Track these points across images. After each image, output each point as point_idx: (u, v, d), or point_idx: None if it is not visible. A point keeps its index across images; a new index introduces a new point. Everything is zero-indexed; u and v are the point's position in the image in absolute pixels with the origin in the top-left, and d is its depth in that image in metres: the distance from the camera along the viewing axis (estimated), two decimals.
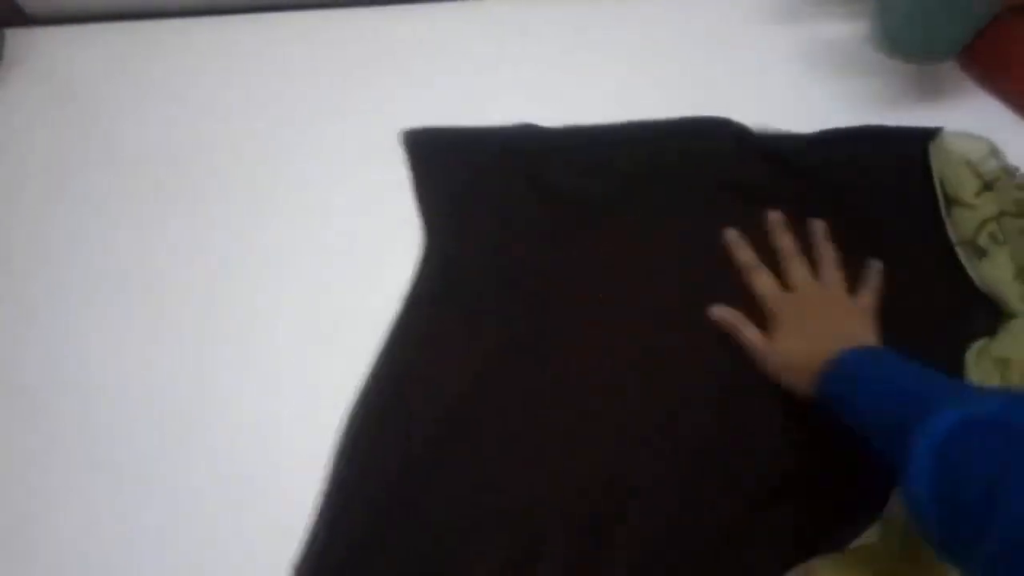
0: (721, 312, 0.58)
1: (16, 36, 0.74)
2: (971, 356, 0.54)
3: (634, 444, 0.53)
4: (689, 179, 0.63)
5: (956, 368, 0.54)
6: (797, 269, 0.59)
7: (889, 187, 0.63)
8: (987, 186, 0.60)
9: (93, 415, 0.55)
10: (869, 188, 0.62)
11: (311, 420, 0.55)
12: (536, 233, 0.61)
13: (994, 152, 0.63)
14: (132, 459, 0.54)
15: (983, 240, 0.58)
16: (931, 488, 0.37)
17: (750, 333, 0.56)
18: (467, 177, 0.63)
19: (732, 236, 0.60)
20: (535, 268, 0.59)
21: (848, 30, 0.75)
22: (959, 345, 0.55)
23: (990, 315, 0.57)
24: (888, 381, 0.47)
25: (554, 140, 0.66)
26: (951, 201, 0.61)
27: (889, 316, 0.56)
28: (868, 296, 0.57)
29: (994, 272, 0.57)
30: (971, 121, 0.65)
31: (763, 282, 0.59)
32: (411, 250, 0.62)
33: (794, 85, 0.71)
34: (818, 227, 0.61)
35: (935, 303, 0.58)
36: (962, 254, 0.59)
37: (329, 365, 0.57)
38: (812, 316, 0.56)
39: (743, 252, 0.60)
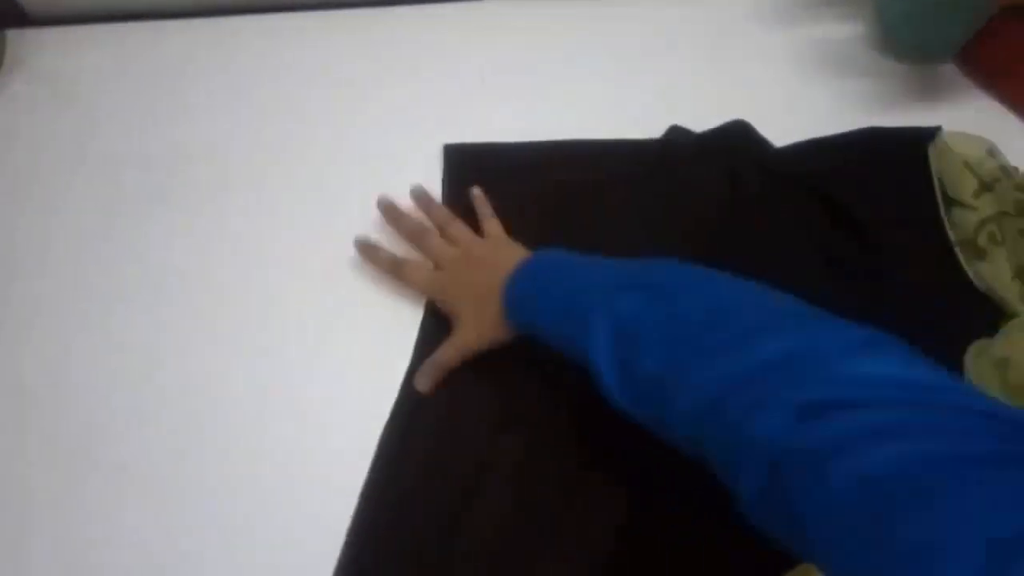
0: (420, 381, 0.55)
1: (16, 36, 0.74)
2: (970, 356, 0.54)
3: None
4: (698, 191, 0.63)
5: (956, 369, 0.54)
6: (437, 243, 0.58)
7: (888, 187, 0.63)
8: (986, 186, 0.60)
9: (93, 416, 0.55)
10: (868, 188, 0.62)
11: (310, 420, 0.55)
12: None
13: (993, 152, 0.63)
14: (133, 460, 0.54)
15: (982, 240, 0.58)
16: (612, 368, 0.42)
17: (443, 354, 0.54)
18: (498, 191, 0.63)
19: (360, 244, 0.60)
20: None
21: (847, 31, 0.75)
22: (959, 345, 0.55)
23: (990, 315, 0.57)
24: (557, 281, 0.49)
25: (575, 154, 0.66)
26: (950, 201, 0.61)
27: (889, 317, 0.56)
28: (490, 222, 0.59)
29: (993, 272, 0.57)
30: (970, 121, 0.65)
31: (411, 272, 0.58)
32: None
33: (794, 86, 0.71)
34: (417, 191, 0.62)
35: (935, 303, 0.58)
36: (961, 254, 0.59)
37: (331, 369, 0.57)
38: (465, 273, 0.56)
39: (382, 255, 0.59)
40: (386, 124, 0.69)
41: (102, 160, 0.67)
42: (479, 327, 0.54)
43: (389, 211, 0.61)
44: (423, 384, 0.54)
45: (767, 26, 0.76)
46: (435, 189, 0.65)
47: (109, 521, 0.51)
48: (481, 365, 0.55)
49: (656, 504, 0.50)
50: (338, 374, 0.57)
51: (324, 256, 0.62)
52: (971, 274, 0.58)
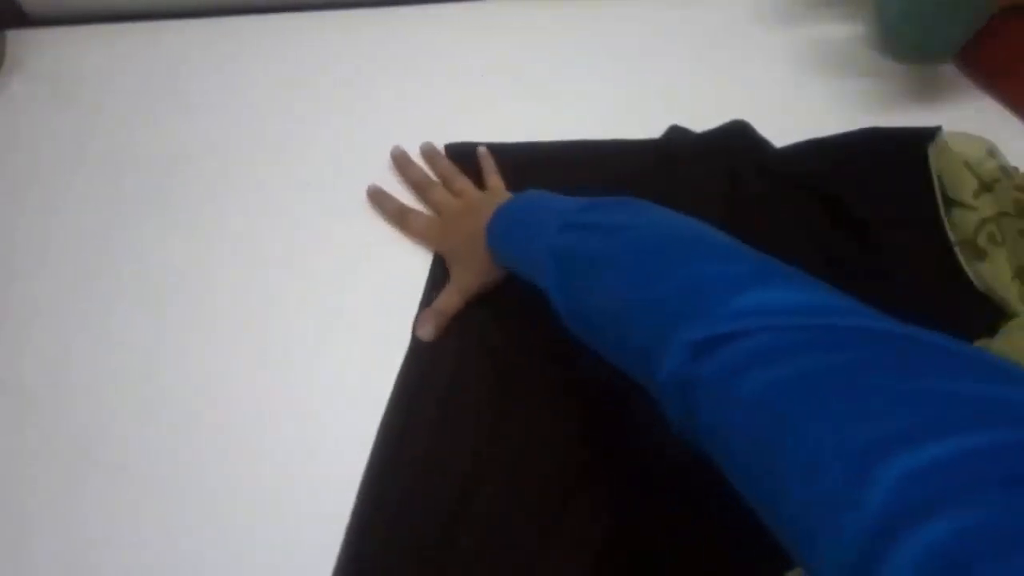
0: (421, 328, 0.57)
1: (16, 36, 0.74)
2: None
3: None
4: (698, 191, 0.63)
5: None
6: (439, 193, 0.62)
7: (888, 187, 0.63)
8: (986, 186, 0.60)
9: (93, 416, 0.55)
10: (868, 188, 0.62)
11: (310, 420, 0.55)
12: None
13: (993, 152, 0.63)
14: (133, 460, 0.54)
15: (982, 240, 0.58)
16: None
17: (443, 303, 0.57)
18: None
19: (372, 191, 0.64)
20: None
21: (847, 31, 0.75)
22: None
23: (990, 315, 0.57)
24: (524, 219, 0.52)
25: (576, 154, 0.67)
26: (950, 202, 0.61)
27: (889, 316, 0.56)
28: (493, 177, 0.63)
29: (993, 272, 0.57)
30: (970, 121, 0.65)
31: (416, 218, 0.61)
32: (414, 250, 0.62)
33: (793, 86, 0.71)
34: (426, 147, 0.67)
35: (935, 303, 0.58)
36: (961, 254, 0.59)
37: (331, 369, 0.57)
38: (458, 221, 0.59)
39: (390, 203, 0.63)
40: (386, 124, 0.69)
41: (102, 160, 0.67)
42: (473, 268, 0.57)
43: (399, 160, 0.65)
44: (424, 331, 0.56)
45: (767, 26, 0.76)
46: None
47: (109, 521, 0.51)
48: (481, 357, 0.56)
49: (655, 503, 0.50)
50: (338, 373, 0.57)
51: (324, 255, 0.62)
52: (971, 274, 0.58)
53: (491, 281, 0.57)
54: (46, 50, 0.74)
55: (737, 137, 0.66)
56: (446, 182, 0.64)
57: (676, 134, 0.67)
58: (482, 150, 0.65)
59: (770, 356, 0.32)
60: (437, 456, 0.52)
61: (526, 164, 0.65)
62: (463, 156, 0.67)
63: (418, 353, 0.56)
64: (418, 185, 0.64)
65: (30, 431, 0.55)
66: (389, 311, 0.59)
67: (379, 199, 0.63)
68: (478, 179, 0.64)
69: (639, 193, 0.63)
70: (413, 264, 0.61)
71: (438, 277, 0.60)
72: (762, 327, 0.33)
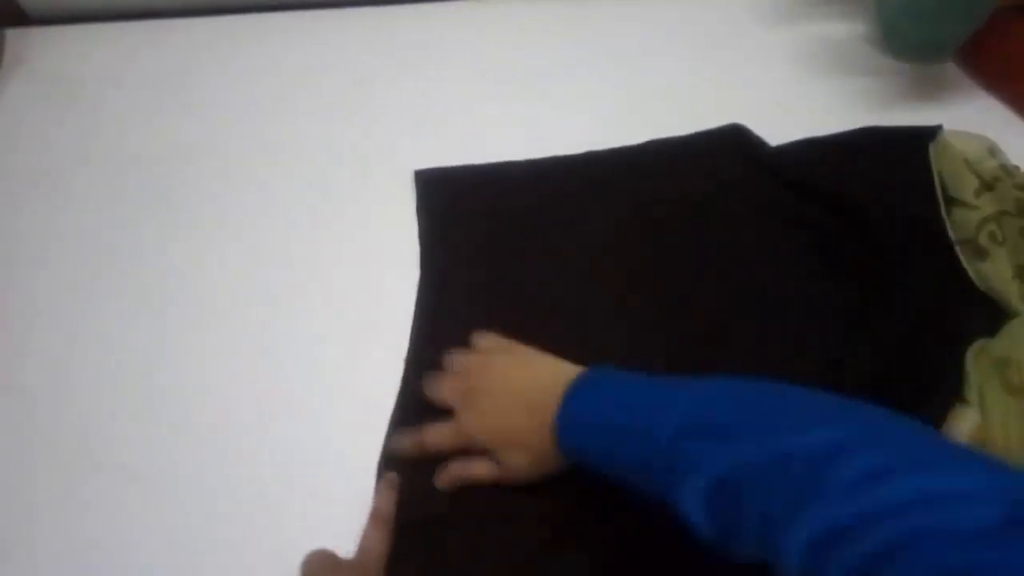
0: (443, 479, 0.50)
1: (16, 36, 0.74)
2: (971, 356, 0.54)
3: None
4: (691, 197, 0.63)
5: (956, 368, 0.54)
6: (463, 359, 0.53)
7: (889, 187, 0.62)
8: (987, 186, 0.60)
9: (94, 416, 0.55)
10: (868, 188, 0.62)
11: (311, 420, 0.55)
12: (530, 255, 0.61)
13: (994, 151, 0.63)
14: (133, 460, 0.54)
15: (983, 240, 0.58)
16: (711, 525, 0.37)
17: (478, 470, 0.49)
18: (471, 213, 0.62)
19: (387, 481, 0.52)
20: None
21: (847, 30, 0.75)
22: (959, 345, 0.55)
23: (990, 315, 0.57)
24: (627, 408, 0.43)
25: (562, 171, 0.65)
26: (951, 201, 0.61)
27: (889, 316, 0.56)
28: (482, 337, 0.54)
29: (994, 272, 0.57)
30: (971, 121, 0.65)
31: (432, 431, 0.51)
32: (414, 249, 0.62)
33: (794, 85, 0.71)
34: None
35: (935, 303, 0.58)
36: (961, 254, 0.59)
37: (332, 369, 0.57)
38: (501, 405, 0.49)
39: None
40: (387, 123, 0.69)
41: (102, 159, 0.67)
42: (532, 456, 0.48)
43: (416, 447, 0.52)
44: (441, 481, 0.50)
45: (767, 26, 0.76)
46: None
47: (109, 520, 0.51)
48: None
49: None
50: (339, 373, 0.57)
51: (325, 255, 0.62)
52: (972, 273, 0.58)
53: (544, 474, 0.48)
54: (46, 49, 0.74)
55: (731, 138, 0.66)
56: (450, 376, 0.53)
57: (655, 145, 0.66)
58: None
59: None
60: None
61: (497, 184, 0.64)
62: (435, 184, 0.63)
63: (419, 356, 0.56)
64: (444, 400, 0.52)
65: (31, 431, 0.55)
66: (390, 310, 0.59)
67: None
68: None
69: (615, 204, 0.63)
70: (414, 263, 0.61)
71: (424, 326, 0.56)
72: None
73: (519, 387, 0.49)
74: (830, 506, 0.32)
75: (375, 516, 0.49)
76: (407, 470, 0.51)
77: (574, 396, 0.45)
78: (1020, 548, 0.27)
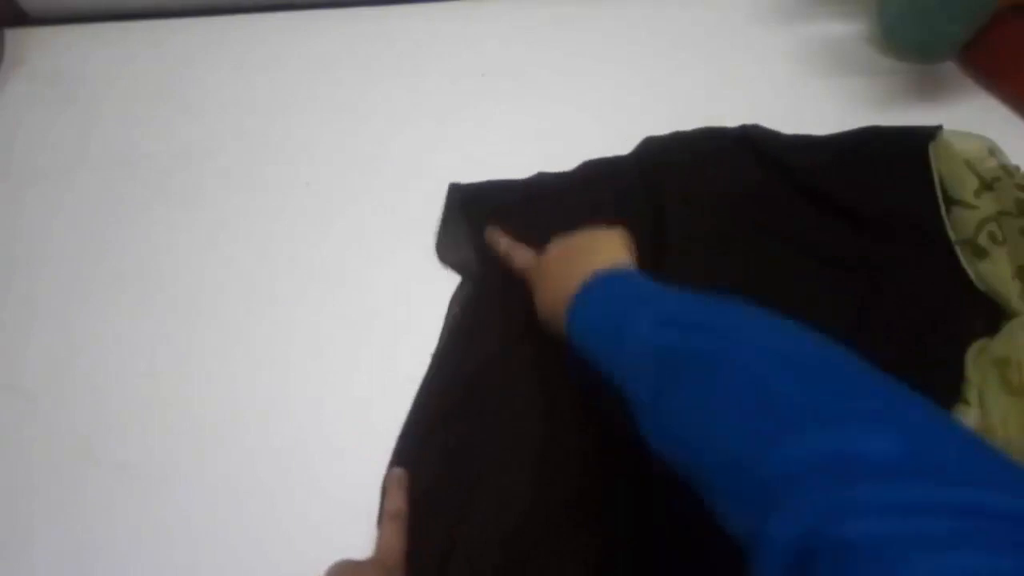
0: (495, 238, 0.58)
1: (16, 36, 0.74)
2: (971, 356, 0.54)
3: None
4: (696, 193, 0.63)
5: (956, 368, 0.54)
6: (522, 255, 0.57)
7: (889, 187, 0.62)
8: (987, 185, 0.60)
9: (94, 416, 0.55)
10: (869, 188, 0.62)
11: (311, 420, 0.55)
12: None
13: (994, 151, 0.63)
14: (133, 459, 0.54)
15: (983, 240, 0.58)
16: None
17: (520, 257, 0.56)
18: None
19: (490, 234, 0.59)
20: None
21: (847, 30, 0.75)
22: (959, 345, 0.55)
23: (990, 315, 0.57)
24: (611, 308, 0.46)
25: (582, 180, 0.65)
26: (951, 200, 0.61)
27: (889, 316, 0.56)
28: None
29: (994, 272, 0.57)
30: (971, 121, 0.65)
31: (520, 255, 0.56)
32: (415, 249, 0.62)
33: (794, 85, 0.71)
34: None
35: (935, 303, 0.58)
36: (961, 254, 0.59)
37: (333, 369, 0.57)
38: (561, 258, 0.53)
39: (502, 241, 0.58)
40: (387, 122, 0.69)
41: (102, 159, 0.67)
42: (545, 308, 0.52)
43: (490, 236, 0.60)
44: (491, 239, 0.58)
45: (767, 25, 0.75)
46: (432, 171, 0.65)
47: (110, 520, 0.51)
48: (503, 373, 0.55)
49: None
50: (340, 373, 0.57)
51: (324, 255, 0.62)
52: (972, 273, 0.58)
53: (549, 329, 0.52)
54: (46, 49, 0.74)
55: (736, 140, 0.66)
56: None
57: (652, 144, 0.66)
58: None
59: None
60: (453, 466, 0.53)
61: (522, 199, 0.64)
62: (472, 200, 0.63)
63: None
64: (504, 252, 0.58)
65: (30, 430, 0.55)
66: (390, 309, 0.59)
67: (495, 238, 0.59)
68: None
69: (633, 203, 0.63)
70: (414, 263, 0.61)
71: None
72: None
73: (583, 248, 0.53)
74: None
75: (389, 515, 0.50)
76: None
77: (591, 284, 0.48)
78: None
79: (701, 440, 0.36)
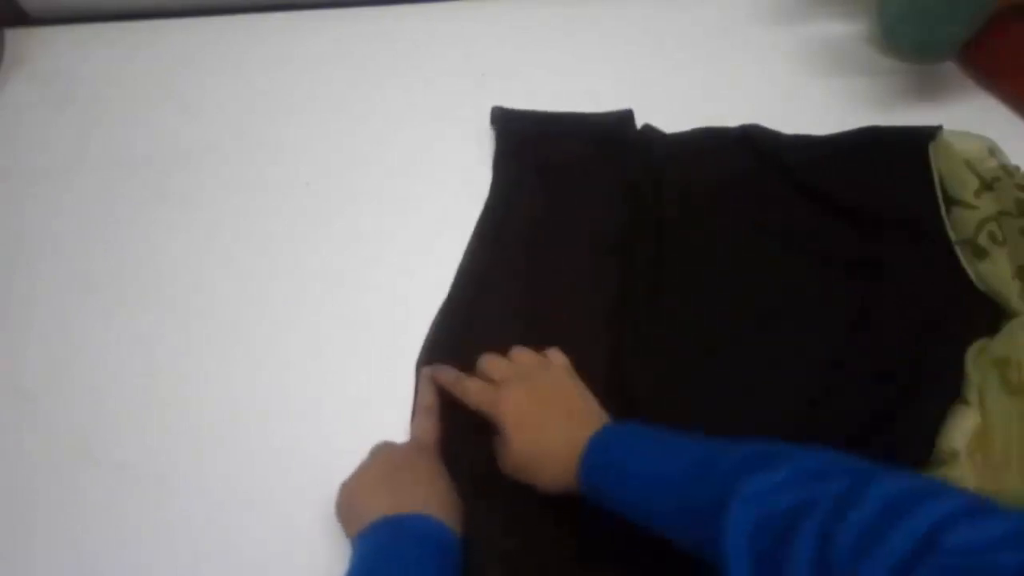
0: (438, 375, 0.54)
1: (16, 36, 0.75)
2: (971, 356, 0.54)
3: None
4: (696, 194, 0.63)
5: (956, 368, 0.54)
6: (495, 362, 0.53)
7: (889, 187, 0.62)
8: (987, 186, 0.60)
9: (94, 416, 0.55)
10: (869, 188, 0.62)
11: (311, 419, 0.55)
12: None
13: (994, 151, 0.63)
14: (133, 459, 0.54)
15: (983, 240, 0.58)
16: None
17: (474, 391, 0.52)
18: (540, 150, 0.66)
19: (425, 374, 0.55)
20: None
21: (847, 29, 0.75)
22: (959, 345, 0.55)
23: (990, 315, 0.57)
24: (660, 457, 0.44)
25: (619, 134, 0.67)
26: (951, 200, 0.61)
27: (889, 316, 0.56)
28: (555, 352, 0.54)
29: (994, 272, 0.57)
30: (971, 121, 0.65)
31: (471, 388, 0.52)
32: (415, 250, 0.62)
33: (794, 85, 0.71)
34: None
35: (935, 303, 0.58)
36: (961, 254, 0.59)
37: (332, 369, 0.57)
38: (539, 408, 0.50)
39: (441, 379, 0.54)
40: (386, 123, 0.69)
41: (101, 159, 0.67)
42: (555, 481, 0.48)
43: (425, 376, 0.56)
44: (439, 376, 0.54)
45: (767, 25, 0.75)
46: (432, 171, 0.65)
47: (109, 520, 0.51)
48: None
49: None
50: (339, 373, 0.57)
51: (323, 255, 0.62)
52: (972, 273, 0.58)
53: (529, 481, 0.49)
54: (46, 49, 0.74)
55: (745, 138, 0.66)
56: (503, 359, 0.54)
57: (650, 132, 0.67)
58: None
59: None
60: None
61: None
62: (507, 122, 0.67)
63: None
64: (450, 387, 0.54)
65: (30, 431, 0.55)
66: (390, 309, 0.59)
67: (435, 378, 0.55)
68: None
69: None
70: (414, 263, 0.61)
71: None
72: None
73: (565, 397, 0.51)
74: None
75: (421, 408, 0.53)
76: None
77: (602, 437, 0.47)
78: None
79: None
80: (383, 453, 0.51)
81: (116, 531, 0.51)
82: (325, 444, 0.54)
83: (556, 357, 0.54)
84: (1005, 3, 0.64)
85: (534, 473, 0.49)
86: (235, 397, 0.56)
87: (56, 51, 0.74)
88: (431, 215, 0.63)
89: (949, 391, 0.52)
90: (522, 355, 0.54)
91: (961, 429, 0.50)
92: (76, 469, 0.53)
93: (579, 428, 0.48)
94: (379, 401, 0.55)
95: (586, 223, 0.62)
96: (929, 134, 0.64)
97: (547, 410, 0.50)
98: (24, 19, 0.77)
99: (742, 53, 0.74)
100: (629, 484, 0.45)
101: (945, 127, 0.64)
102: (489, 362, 0.53)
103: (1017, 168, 0.62)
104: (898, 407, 0.52)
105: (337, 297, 0.60)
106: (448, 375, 0.54)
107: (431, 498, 0.48)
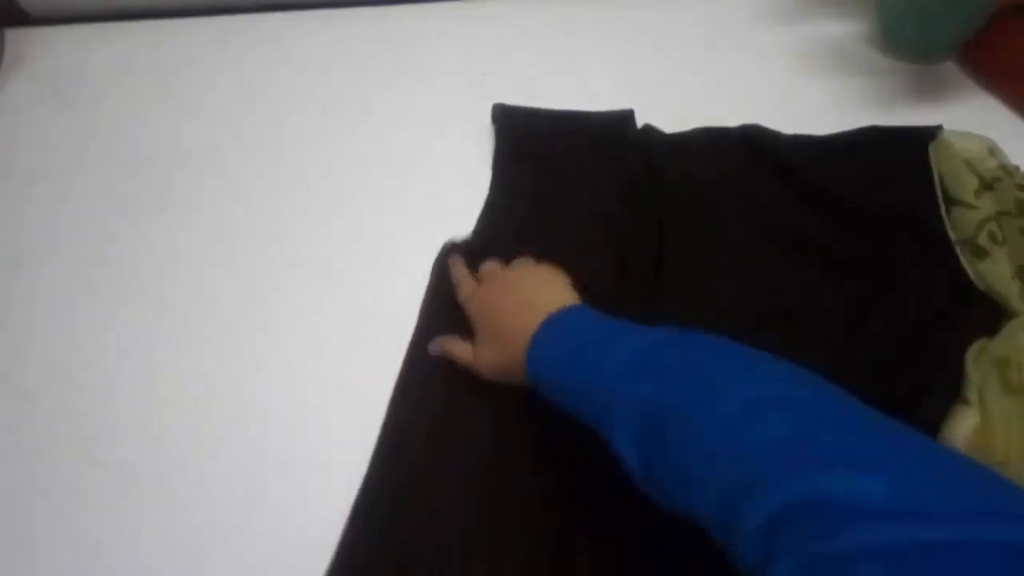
0: (432, 347, 0.55)
1: (16, 36, 0.75)
2: (971, 356, 0.54)
3: None
4: (696, 194, 0.63)
5: (956, 368, 0.54)
6: (486, 265, 0.57)
7: (889, 187, 0.62)
8: (987, 185, 0.60)
9: (94, 416, 0.55)
10: (869, 188, 0.62)
11: (311, 420, 0.55)
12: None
13: (994, 151, 0.63)
14: (133, 459, 0.54)
15: (983, 240, 0.58)
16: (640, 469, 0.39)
17: (458, 350, 0.53)
18: (540, 148, 0.66)
19: (452, 262, 0.58)
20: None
21: (847, 29, 0.75)
22: (959, 345, 0.55)
23: (990, 315, 0.57)
24: (578, 356, 0.45)
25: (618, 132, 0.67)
26: (951, 200, 0.61)
27: (889, 316, 0.56)
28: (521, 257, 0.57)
29: (994, 272, 0.57)
30: (971, 121, 0.65)
31: (461, 289, 0.56)
32: (414, 250, 0.62)
33: (794, 85, 0.71)
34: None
35: (935, 303, 0.58)
36: (961, 254, 0.59)
37: (332, 369, 0.57)
38: (500, 302, 0.52)
39: (455, 269, 0.58)
40: (387, 122, 0.69)
41: (102, 159, 0.67)
42: (499, 362, 0.51)
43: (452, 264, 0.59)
44: (433, 348, 0.55)
45: (767, 25, 0.76)
46: (432, 171, 0.65)
47: (110, 519, 0.51)
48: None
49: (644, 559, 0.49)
50: (339, 374, 0.57)
51: (323, 255, 0.62)
52: (972, 273, 0.58)
53: (506, 382, 0.51)
54: (47, 49, 0.74)
55: (744, 137, 0.66)
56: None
57: (650, 132, 0.67)
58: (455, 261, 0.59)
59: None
60: (435, 458, 0.52)
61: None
62: (508, 119, 0.67)
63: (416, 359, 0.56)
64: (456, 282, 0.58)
65: (31, 430, 0.55)
66: (390, 309, 0.59)
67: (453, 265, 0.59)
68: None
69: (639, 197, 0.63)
70: (414, 263, 0.61)
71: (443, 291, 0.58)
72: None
73: (524, 292, 0.52)
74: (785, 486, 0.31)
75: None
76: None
77: (547, 326, 0.48)
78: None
79: (690, 500, 0.36)
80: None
81: (116, 531, 0.51)
82: (325, 444, 0.54)
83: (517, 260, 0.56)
84: (1005, 3, 0.64)
85: (504, 369, 0.50)
86: (235, 397, 0.56)
87: (56, 51, 0.74)
88: (431, 215, 0.63)
89: (949, 391, 0.52)
90: (486, 269, 0.57)
91: (961, 429, 0.50)
92: (76, 469, 0.53)
93: (531, 316, 0.48)
94: (380, 401, 0.55)
95: (585, 221, 0.62)
96: (929, 134, 0.64)
97: (504, 300, 0.52)
98: (24, 19, 0.77)
99: (742, 53, 0.74)
100: (556, 379, 0.46)
101: (945, 127, 0.65)
102: (463, 271, 0.57)
103: (1017, 168, 0.62)
104: (898, 407, 0.52)
105: (337, 297, 0.60)
106: (457, 270, 0.57)
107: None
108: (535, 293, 0.52)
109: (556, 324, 0.48)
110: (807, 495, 0.29)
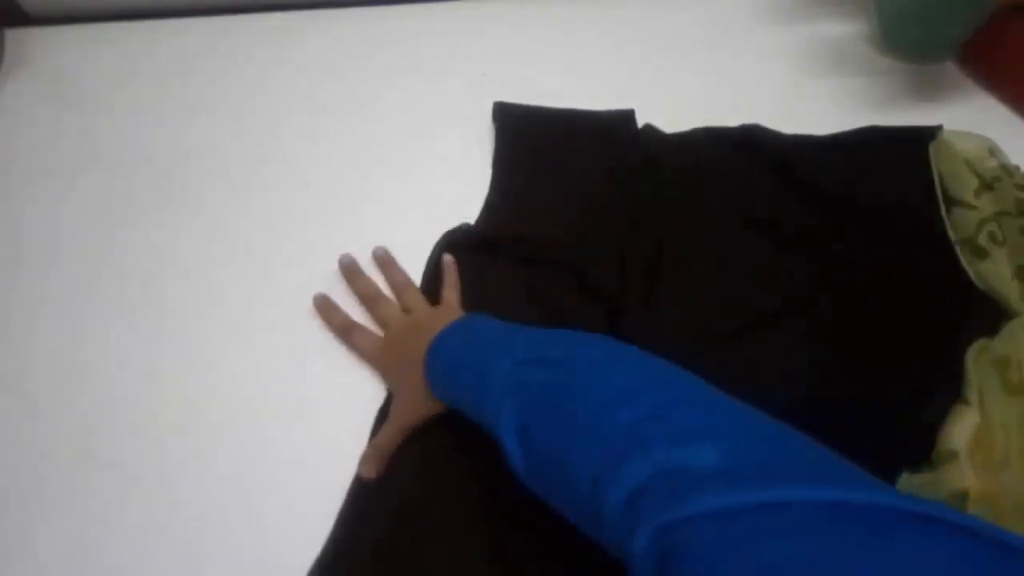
0: (363, 467, 0.52)
1: (16, 36, 0.75)
2: (971, 356, 0.54)
3: None
4: (697, 194, 0.63)
5: (956, 368, 0.54)
6: (385, 309, 0.58)
7: (889, 187, 0.63)
8: (987, 185, 0.60)
9: (94, 415, 0.55)
10: (869, 188, 0.62)
11: (311, 420, 0.55)
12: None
13: (994, 151, 0.63)
14: (133, 459, 0.54)
15: (983, 240, 0.58)
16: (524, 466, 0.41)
17: (382, 439, 0.52)
18: (540, 146, 0.66)
19: (319, 301, 0.59)
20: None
21: (847, 29, 0.75)
22: (959, 345, 0.55)
23: (990, 315, 0.57)
24: (465, 355, 0.48)
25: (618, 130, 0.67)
26: (951, 200, 0.61)
27: (889, 316, 0.56)
28: (450, 292, 0.58)
29: (994, 272, 0.57)
30: (971, 121, 0.65)
31: (359, 344, 0.57)
32: (414, 251, 0.62)
33: (794, 85, 0.71)
34: (379, 253, 0.61)
35: (935, 303, 0.58)
36: (962, 254, 0.59)
37: (332, 369, 0.57)
38: (401, 348, 0.54)
39: (336, 316, 0.58)
40: (388, 123, 0.69)
41: (102, 159, 0.67)
42: (410, 401, 0.52)
43: (347, 268, 0.60)
44: (367, 471, 0.51)
45: (767, 25, 0.76)
46: (432, 171, 0.65)
47: (110, 520, 0.51)
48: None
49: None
50: (338, 374, 0.57)
51: (324, 255, 0.62)
52: (972, 274, 0.58)
53: (430, 415, 0.52)
54: (47, 49, 0.74)
55: (740, 140, 0.66)
56: (397, 295, 0.59)
57: (651, 132, 0.67)
58: (447, 259, 0.60)
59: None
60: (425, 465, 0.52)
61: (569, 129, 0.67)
62: (508, 117, 0.67)
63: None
64: (364, 298, 0.59)
65: (32, 431, 0.55)
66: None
67: (325, 311, 0.58)
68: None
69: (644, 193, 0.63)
70: (414, 263, 0.61)
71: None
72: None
73: (414, 331, 0.54)
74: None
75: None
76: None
77: (438, 338, 0.50)
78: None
79: (566, 492, 0.39)
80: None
81: (117, 531, 0.51)
82: (325, 444, 0.54)
83: (449, 296, 0.58)
84: (1005, 3, 0.64)
85: (424, 403, 0.51)
86: (236, 397, 0.56)
87: (57, 51, 0.74)
88: (431, 215, 0.63)
89: (949, 391, 0.52)
90: (412, 299, 0.58)
91: (961, 429, 0.50)
92: (76, 469, 0.53)
93: (425, 342, 0.51)
94: (380, 401, 0.55)
95: (585, 219, 0.62)
96: (929, 134, 0.64)
97: (414, 344, 0.52)
98: (25, 19, 0.77)
99: (742, 53, 0.74)
100: (451, 383, 0.49)
101: (945, 127, 0.65)
102: (381, 311, 0.58)
103: (1017, 168, 0.62)
104: (898, 407, 0.52)
105: (338, 297, 0.60)
106: (338, 318, 0.58)
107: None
108: (436, 320, 0.53)
109: (446, 334, 0.50)
110: (659, 467, 0.33)
